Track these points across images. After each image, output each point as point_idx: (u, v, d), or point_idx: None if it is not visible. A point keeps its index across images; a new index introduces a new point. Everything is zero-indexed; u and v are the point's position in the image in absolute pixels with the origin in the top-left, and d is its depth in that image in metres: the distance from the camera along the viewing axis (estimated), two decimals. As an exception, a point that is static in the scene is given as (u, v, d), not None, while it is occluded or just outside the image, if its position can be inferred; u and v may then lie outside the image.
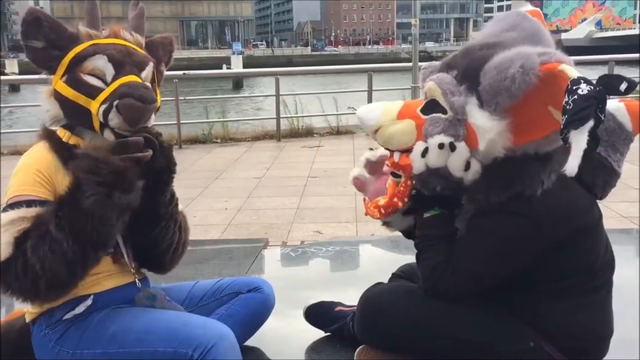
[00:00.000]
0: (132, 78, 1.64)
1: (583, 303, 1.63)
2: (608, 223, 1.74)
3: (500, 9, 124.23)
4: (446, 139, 1.56)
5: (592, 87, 1.29)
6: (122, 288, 1.73)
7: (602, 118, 1.29)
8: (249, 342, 2.00)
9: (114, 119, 1.60)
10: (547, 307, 1.62)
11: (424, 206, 1.72)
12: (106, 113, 1.60)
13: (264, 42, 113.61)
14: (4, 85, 25.57)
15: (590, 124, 1.27)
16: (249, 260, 3.25)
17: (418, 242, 1.74)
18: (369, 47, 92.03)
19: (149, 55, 1.78)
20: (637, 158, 6.41)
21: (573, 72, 1.35)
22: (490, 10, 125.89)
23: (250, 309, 1.94)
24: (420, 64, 10.12)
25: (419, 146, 1.60)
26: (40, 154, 1.64)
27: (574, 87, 1.30)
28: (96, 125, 1.63)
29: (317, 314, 2.14)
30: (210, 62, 44.74)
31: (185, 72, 9.69)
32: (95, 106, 1.61)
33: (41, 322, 1.67)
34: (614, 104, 1.74)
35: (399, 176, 1.71)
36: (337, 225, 4.79)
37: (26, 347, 1.73)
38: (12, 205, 1.53)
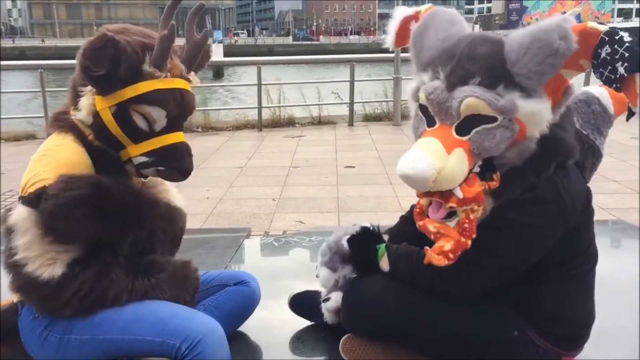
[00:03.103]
0: (179, 138, 1.66)
1: (570, 288, 1.65)
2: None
3: (480, 1, 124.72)
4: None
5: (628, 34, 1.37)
6: None
7: None
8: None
9: (149, 173, 1.66)
10: (536, 292, 1.65)
11: (363, 265, 1.77)
12: (143, 166, 1.63)
13: (245, 31, 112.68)
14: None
15: None
16: (231, 250, 3.24)
17: (406, 280, 1.72)
18: (351, 37, 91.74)
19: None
20: (616, 150, 6.54)
21: (599, 25, 1.39)
22: (471, 2, 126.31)
23: (236, 301, 1.95)
24: (402, 54, 10.15)
25: (476, 175, 1.49)
26: (73, 154, 1.59)
27: (616, 37, 1.35)
28: (124, 157, 1.64)
29: (301, 303, 2.15)
30: (190, 50, 44.18)
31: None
32: (134, 152, 1.62)
33: (31, 306, 1.65)
34: (597, 89, 1.80)
35: (452, 215, 1.53)
36: (319, 215, 4.80)
37: (10, 329, 1.72)
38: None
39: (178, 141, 1.66)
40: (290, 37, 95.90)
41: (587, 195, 1.65)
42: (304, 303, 2.15)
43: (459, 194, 1.46)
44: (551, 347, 1.67)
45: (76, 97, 1.63)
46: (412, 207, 1.80)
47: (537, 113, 1.44)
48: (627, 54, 1.33)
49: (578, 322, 1.71)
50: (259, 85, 9.58)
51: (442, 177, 1.42)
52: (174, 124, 1.65)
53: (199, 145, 8.20)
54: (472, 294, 1.66)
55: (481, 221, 1.54)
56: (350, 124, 9.69)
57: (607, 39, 1.36)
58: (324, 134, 8.95)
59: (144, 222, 1.64)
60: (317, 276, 1.93)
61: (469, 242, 1.50)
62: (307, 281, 2.43)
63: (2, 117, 9.11)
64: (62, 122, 1.66)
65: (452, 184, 1.45)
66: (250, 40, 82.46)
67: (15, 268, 1.55)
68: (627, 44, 1.34)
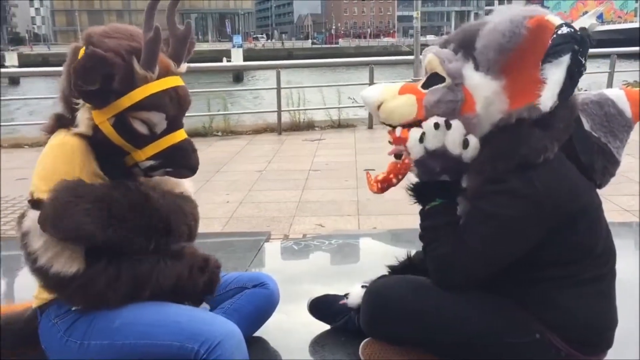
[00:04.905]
0: (181, 135, 1.67)
1: (589, 292, 1.63)
2: (609, 216, 1.74)
3: (501, 2, 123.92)
4: (440, 119, 1.60)
5: (572, 30, 1.48)
6: None
7: (583, 62, 1.49)
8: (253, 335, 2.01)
9: (158, 174, 1.69)
10: (553, 297, 1.63)
11: (425, 199, 1.73)
12: (152, 169, 1.66)
13: (264, 35, 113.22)
14: (4, 78, 25.59)
15: (567, 59, 1.46)
16: (251, 253, 3.25)
17: (422, 235, 1.75)
18: (370, 40, 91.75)
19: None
20: (638, 151, 6.43)
21: (558, 20, 1.50)
22: (491, 3, 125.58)
23: (255, 304, 1.95)
24: (422, 57, 10.11)
25: (415, 133, 1.63)
26: (73, 156, 1.60)
27: (556, 30, 1.48)
28: (130, 162, 1.66)
29: (321, 307, 2.14)
30: (210, 55, 44.55)
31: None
32: (140, 157, 1.64)
33: (50, 311, 1.67)
34: (614, 92, 1.78)
35: (400, 157, 1.74)
36: (339, 218, 4.78)
37: (30, 335, 1.74)
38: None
39: (181, 139, 1.67)
40: (309, 40, 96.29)
41: (586, 191, 1.64)
42: (323, 307, 2.14)
43: (397, 132, 1.69)
44: (572, 352, 1.65)
45: (71, 109, 1.64)
46: None
47: (479, 87, 1.57)
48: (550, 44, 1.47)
49: (598, 326, 1.68)
50: (278, 89, 9.60)
51: (383, 109, 1.70)
52: (174, 123, 1.66)
53: (218, 149, 8.25)
54: (457, 285, 1.65)
55: (465, 210, 1.66)
56: (370, 126, 9.65)
57: (553, 32, 1.48)
58: (344, 137, 8.93)
59: (156, 221, 1.63)
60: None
61: (395, 180, 1.74)
62: (327, 285, 2.44)
63: (28, 123, 9.23)
64: (62, 123, 1.67)
65: (390, 117, 1.70)
66: (269, 44, 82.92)
67: (41, 271, 1.57)
68: (554, 36, 1.47)
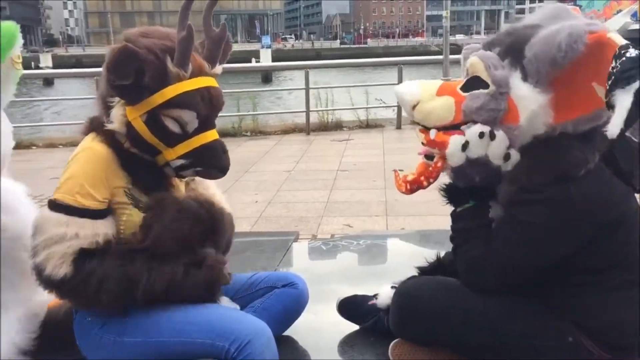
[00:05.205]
0: (212, 135, 1.68)
1: (622, 297, 1.61)
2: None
3: (532, 0, 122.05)
4: (486, 128, 1.56)
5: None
6: None
7: None
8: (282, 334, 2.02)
9: (188, 174, 1.72)
10: (586, 302, 1.61)
11: (457, 201, 1.72)
12: (182, 169, 1.68)
13: (292, 36, 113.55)
14: (38, 79, 26.18)
15: (636, 85, 1.35)
16: (280, 253, 3.26)
17: (453, 237, 1.74)
18: (398, 40, 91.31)
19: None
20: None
21: (621, 40, 1.40)
22: (522, 2, 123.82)
23: (284, 304, 1.96)
24: (451, 56, 10.06)
25: (458, 140, 1.59)
26: (97, 162, 1.63)
27: (622, 52, 1.37)
28: (161, 162, 1.69)
29: (350, 307, 2.15)
30: (239, 55, 44.75)
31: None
32: (171, 155, 1.66)
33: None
34: None
35: (431, 158, 1.71)
36: (367, 218, 4.78)
37: (68, 332, 1.77)
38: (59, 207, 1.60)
39: (212, 139, 1.68)
40: (338, 40, 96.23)
41: (624, 199, 1.61)
42: (352, 307, 2.15)
43: (432, 134, 1.65)
44: (605, 355, 1.62)
45: (106, 108, 1.67)
46: None
47: (526, 99, 1.51)
48: (615, 70, 1.36)
49: (632, 331, 1.64)
50: (307, 89, 9.63)
51: (419, 109, 1.64)
52: (206, 123, 1.67)
53: (247, 149, 8.30)
54: (486, 288, 1.64)
55: (498, 216, 1.64)
56: (399, 127, 9.62)
57: (616, 53, 1.37)
58: (372, 137, 8.92)
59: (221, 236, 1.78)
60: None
61: (425, 182, 1.71)
62: (355, 285, 2.44)
63: (63, 123, 9.41)
64: (95, 125, 1.70)
65: (426, 119, 1.64)
66: (297, 44, 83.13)
67: (38, 270, 1.61)
68: (623, 59, 1.36)
